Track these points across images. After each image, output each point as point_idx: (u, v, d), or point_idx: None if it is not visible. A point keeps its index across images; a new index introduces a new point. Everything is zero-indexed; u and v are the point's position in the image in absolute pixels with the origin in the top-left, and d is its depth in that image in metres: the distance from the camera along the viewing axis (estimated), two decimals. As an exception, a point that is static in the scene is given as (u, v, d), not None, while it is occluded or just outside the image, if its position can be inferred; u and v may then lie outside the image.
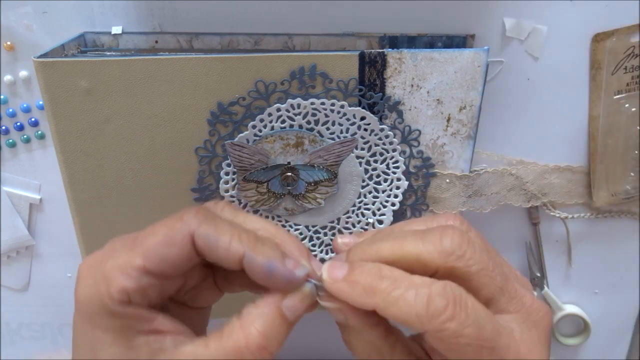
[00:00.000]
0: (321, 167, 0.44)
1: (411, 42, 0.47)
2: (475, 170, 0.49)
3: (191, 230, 0.30)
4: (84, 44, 0.46)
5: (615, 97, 0.52)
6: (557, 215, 0.56)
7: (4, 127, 0.51)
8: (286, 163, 0.44)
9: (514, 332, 0.30)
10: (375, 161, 0.46)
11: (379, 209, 0.47)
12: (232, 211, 0.34)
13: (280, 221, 0.47)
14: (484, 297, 0.30)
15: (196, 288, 0.35)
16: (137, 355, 0.30)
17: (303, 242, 0.48)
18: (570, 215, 0.56)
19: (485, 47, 0.43)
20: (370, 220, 0.48)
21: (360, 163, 0.46)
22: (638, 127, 0.53)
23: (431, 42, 0.47)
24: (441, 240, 0.30)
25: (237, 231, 0.31)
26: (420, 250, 0.30)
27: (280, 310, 0.31)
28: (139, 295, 0.30)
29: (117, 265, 0.30)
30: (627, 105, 0.52)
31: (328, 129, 0.44)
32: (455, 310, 0.28)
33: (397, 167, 0.46)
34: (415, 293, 0.28)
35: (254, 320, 0.30)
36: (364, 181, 0.46)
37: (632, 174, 0.54)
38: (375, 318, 0.31)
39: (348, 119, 0.44)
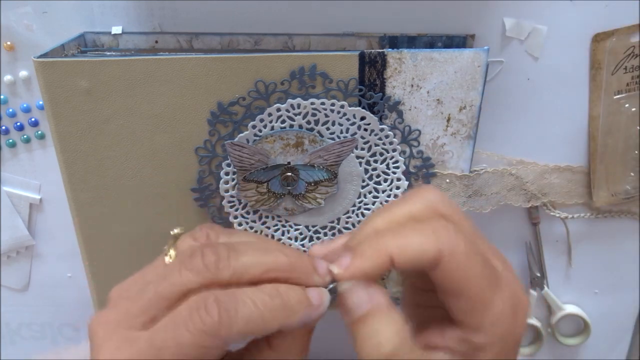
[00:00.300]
0: (321, 167, 0.44)
1: (411, 42, 0.47)
2: (475, 170, 0.49)
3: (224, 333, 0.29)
4: (84, 44, 0.46)
5: (615, 97, 0.52)
6: (557, 215, 0.56)
7: (4, 127, 0.51)
8: (286, 163, 0.44)
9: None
10: (375, 161, 0.46)
11: (379, 209, 0.47)
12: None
13: (280, 221, 0.47)
14: None
15: None
16: None
17: (303, 242, 0.48)
18: (570, 215, 0.56)
19: (485, 47, 0.43)
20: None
21: (360, 163, 0.46)
22: (638, 127, 0.53)
23: (431, 42, 0.47)
24: (436, 236, 0.31)
25: (261, 309, 0.29)
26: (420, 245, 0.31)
27: (309, 331, 0.32)
28: None
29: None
30: (627, 105, 0.52)
31: (328, 129, 0.44)
32: (457, 231, 0.31)
33: (397, 167, 0.46)
34: (419, 233, 0.31)
35: (289, 351, 0.32)
36: (364, 181, 0.46)
37: (632, 174, 0.54)
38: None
39: (348, 119, 0.44)
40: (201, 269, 0.30)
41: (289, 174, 0.44)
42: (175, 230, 0.35)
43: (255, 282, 0.31)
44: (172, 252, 0.34)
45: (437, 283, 0.31)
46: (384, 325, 0.31)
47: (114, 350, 0.30)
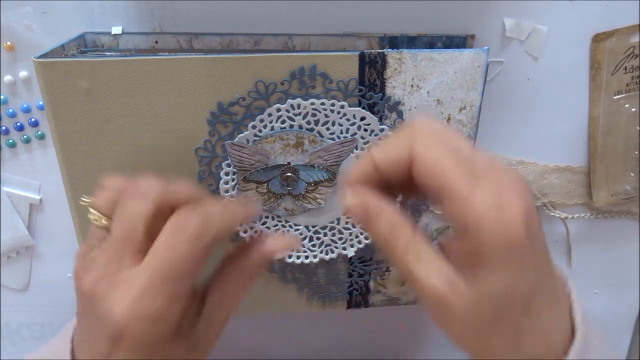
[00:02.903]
0: (321, 167, 0.44)
1: (411, 42, 0.47)
2: (475, 171, 0.49)
3: (216, 229, 0.35)
4: (84, 44, 0.46)
5: (615, 97, 0.52)
6: (557, 215, 0.56)
7: (4, 127, 0.51)
8: (286, 163, 0.44)
9: None
10: (375, 161, 0.46)
11: (379, 209, 0.47)
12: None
13: (280, 221, 0.47)
14: None
15: None
16: None
17: (303, 242, 0.48)
18: (570, 216, 0.56)
19: (485, 47, 0.43)
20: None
21: (360, 163, 0.45)
22: (638, 127, 0.53)
23: (431, 42, 0.47)
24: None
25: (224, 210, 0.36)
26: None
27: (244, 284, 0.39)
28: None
29: (173, 295, 0.33)
30: (627, 105, 0.52)
31: (328, 129, 0.44)
32: (427, 134, 0.33)
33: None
34: (394, 138, 0.34)
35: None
36: (364, 181, 0.46)
37: (632, 174, 0.54)
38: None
39: (348, 119, 0.44)
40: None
41: (289, 174, 0.44)
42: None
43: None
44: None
45: (419, 183, 0.33)
46: (396, 235, 0.33)
47: (121, 297, 0.33)
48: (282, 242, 0.39)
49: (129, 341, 0.33)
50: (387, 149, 0.34)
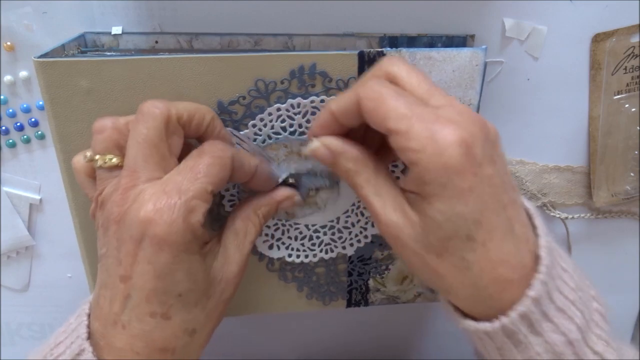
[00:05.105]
0: (323, 173, 0.44)
1: (411, 42, 0.48)
2: (475, 170, 0.49)
3: (232, 155, 0.37)
4: (84, 44, 0.47)
5: (615, 97, 0.52)
6: (557, 215, 0.56)
7: (4, 128, 0.51)
8: (289, 173, 0.44)
9: None
10: (375, 161, 0.46)
11: (379, 209, 0.47)
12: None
13: (280, 220, 0.47)
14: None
15: None
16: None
17: (302, 241, 0.48)
18: (570, 216, 0.56)
19: (483, 47, 0.43)
20: (370, 220, 0.48)
21: (360, 163, 0.45)
22: (638, 127, 0.53)
23: (431, 42, 0.47)
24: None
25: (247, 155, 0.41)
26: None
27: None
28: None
29: (194, 196, 0.35)
30: (627, 105, 0.52)
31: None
32: (373, 80, 0.36)
33: (396, 166, 0.46)
34: (352, 89, 0.36)
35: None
36: (363, 181, 0.46)
37: (632, 174, 0.54)
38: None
39: (348, 118, 0.44)
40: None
41: (291, 181, 0.44)
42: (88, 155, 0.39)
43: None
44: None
45: (372, 126, 0.35)
46: (360, 170, 0.37)
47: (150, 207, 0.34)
48: (286, 192, 0.43)
49: (157, 230, 0.34)
50: (340, 98, 0.36)
